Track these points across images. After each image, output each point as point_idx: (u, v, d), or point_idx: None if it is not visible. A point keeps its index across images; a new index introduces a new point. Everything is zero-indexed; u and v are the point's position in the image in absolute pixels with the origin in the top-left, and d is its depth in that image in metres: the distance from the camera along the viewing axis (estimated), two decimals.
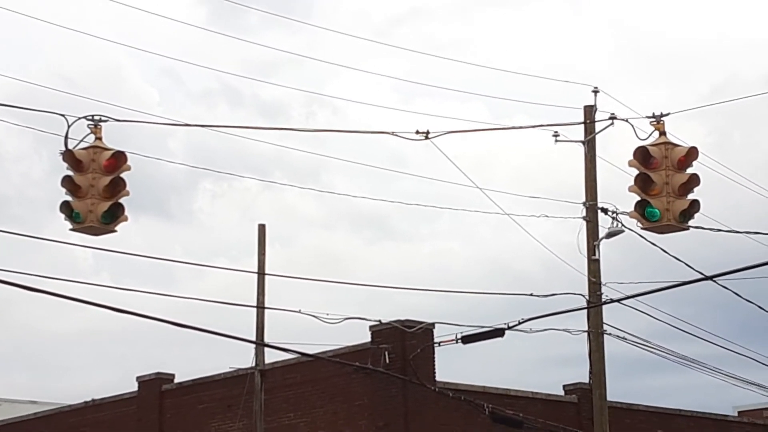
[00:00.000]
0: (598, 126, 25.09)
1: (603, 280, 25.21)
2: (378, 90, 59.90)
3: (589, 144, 25.59)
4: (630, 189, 17.28)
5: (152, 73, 71.94)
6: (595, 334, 25.23)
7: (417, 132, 19.41)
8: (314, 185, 65.71)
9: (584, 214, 25.45)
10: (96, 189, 15.63)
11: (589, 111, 25.30)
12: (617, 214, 24.82)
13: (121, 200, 15.85)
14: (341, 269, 66.13)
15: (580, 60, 68.64)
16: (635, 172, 17.27)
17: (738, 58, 69.67)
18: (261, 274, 26.83)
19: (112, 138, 15.91)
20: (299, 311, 21.61)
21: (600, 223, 25.37)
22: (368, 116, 69.81)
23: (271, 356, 27.37)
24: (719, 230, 23.18)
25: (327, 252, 66.18)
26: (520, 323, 22.03)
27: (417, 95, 68.72)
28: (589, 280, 25.15)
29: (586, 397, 27.18)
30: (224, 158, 59.15)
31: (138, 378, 31.80)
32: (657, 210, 16.94)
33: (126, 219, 15.92)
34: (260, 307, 26.35)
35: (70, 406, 34.99)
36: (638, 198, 17.20)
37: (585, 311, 25.00)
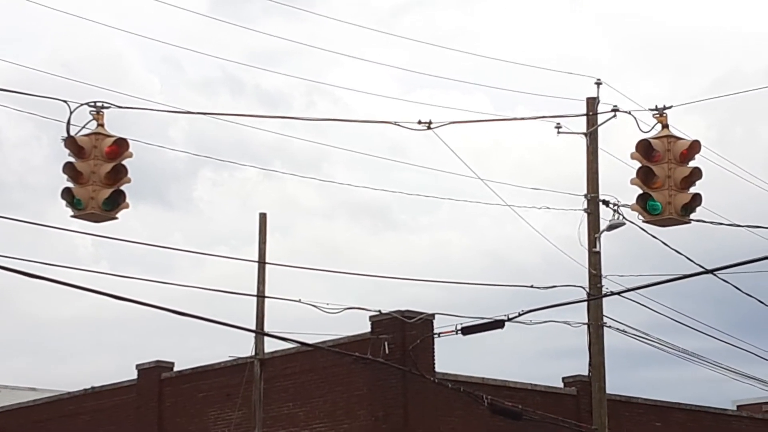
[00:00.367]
0: (600, 118, 25.07)
1: (603, 272, 25.21)
2: (379, 80, 59.93)
3: (592, 136, 25.57)
4: (632, 182, 17.25)
5: (153, 61, 72.00)
6: (595, 326, 25.22)
7: (419, 122, 19.39)
8: (315, 175, 65.69)
9: (585, 206, 25.44)
10: (98, 176, 15.60)
11: (592, 103, 25.27)
12: (618, 207, 24.83)
13: (123, 187, 15.82)
14: (341, 259, 66.23)
15: (582, 52, 68.67)
16: (637, 164, 17.24)
17: (739, 52, 69.64)
18: (262, 263, 26.82)
19: (113, 126, 15.88)
20: (299, 301, 21.60)
21: (601, 216, 25.37)
22: (369, 106, 69.76)
23: (270, 345, 27.41)
24: (720, 224, 23.15)
25: (327, 242, 66.25)
26: (520, 315, 22.00)
27: (418, 86, 68.80)
28: (589, 272, 25.14)
29: (586, 389, 27.19)
30: (225, 147, 59.14)
31: (137, 366, 31.80)
32: (659, 203, 16.91)
33: (127, 206, 15.89)
34: (260, 296, 26.34)
35: (69, 393, 35.02)
36: (640, 191, 17.18)
37: (585, 304, 25.00)
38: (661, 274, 20.84)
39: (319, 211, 68.00)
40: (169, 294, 20.46)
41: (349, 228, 69.70)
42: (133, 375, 31.98)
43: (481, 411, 26.00)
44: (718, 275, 22.51)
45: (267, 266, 26.83)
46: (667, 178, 16.87)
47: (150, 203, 59.75)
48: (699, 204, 17.18)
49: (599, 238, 25.24)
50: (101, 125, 15.81)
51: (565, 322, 24.64)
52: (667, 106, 17.50)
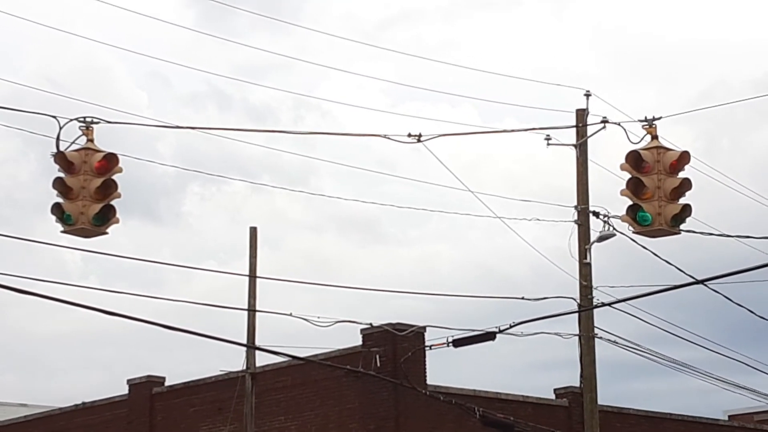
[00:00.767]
0: (590, 130, 25.10)
1: (594, 283, 25.22)
2: (367, 93, 59.97)
3: (581, 147, 25.58)
4: (622, 193, 17.27)
5: (141, 76, 71.92)
6: (586, 337, 25.22)
7: (409, 135, 19.40)
8: (303, 189, 65.64)
9: (576, 217, 25.45)
10: (87, 191, 15.58)
11: (582, 114, 25.29)
12: (609, 218, 24.85)
13: (113, 202, 15.80)
14: (330, 273, 66.24)
15: (568, 64, 68.80)
16: (627, 175, 17.27)
17: (725, 63, 69.88)
18: (252, 276, 26.80)
19: (101, 141, 15.85)
20: (290, 314, 21.57)
21: (591, 227, 25.39)
22: (357, 119, 69.86)
23: (261, 359, 27.38)
24: (710, 234, 23.19)
25: (316, 256, 66.18)
26: (511, 327, 22.01)
27: (406, 99, 68.72)
28: (580, 283, 25.14)
29: (577, 400, 27.18)
30: (213, 162, 59.14)
31: (129, 381, 31.75)
32: (649, 214, 16.94)
33: (117, 221, 15.86)
34: (251, 310, 26.32)
35: (60, 408, 34.92)
36: (630, 202, 17.21)
37: (576, 315, 25.00)
38: (651, 285, 20.86)
39: (307, 225, 68.04)
40: (158, 308, 20.38)
41: (338, 241, 69.71)
42: (124, 390, 31.92)
43: (473, 423, 25.99)
44: (709, 285, 22.53)
45: (257, 280, 26.81)
46: (657, 188, 16.90)
47: (138, 218, 59.70)
48: (689, 214, 17.20)
49: (590, 249, 25.26)
50: (91, 140, 15.80)
51: (556, 334, 24.64)
52: (656, 117, 17.54)
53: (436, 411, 25.88)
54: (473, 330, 23.45)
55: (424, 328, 25.51)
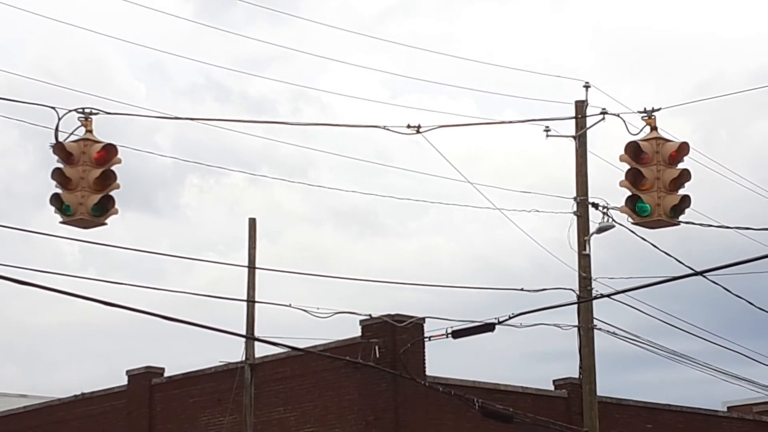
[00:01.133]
0: (589, 121, 25.10)
1: (593, 275, 25.23)
2: (366, 85, 59.92)
3: (580, 139, 25.58)
4: (621, 184, 17.27)
5: (139, 68, 71.83)
6: (586, 329, 25.23)
7: (408, 126, 19.39)
8: (301, 181, 65.64)
9: (575, 209, 25.45)
10: (86, 181, 15.57)
11: (581, 106, 25.29)
12: (608, 210, 24.85)
13: (111, 193, 15.79)
14: (328, 265, 66.25)
15: (566, 56, 68.75)
16: (626, 167, 17.26)
17: (723, 56, 69.82)
18: (252, 267, 26.79)
19: (100, 133, 15.83)
20: (290, 305, 21.58)
21: (591, 219, 25.39)
22: (356, 112, 69.91)
23: (261, 350, 27.39)
24: (710, 225, 23.17)
25: (314, 247, 66.19)
26: (510, 318, 22.02)
27: (405, 91, 68.63)
28: (579, 275, 25.15)
29: (576, 391, 27.21)
30: (211, 154, 59.12)
31: (128, 372, 31.76)
32: (648, 205, 16.94)
33: (116, 212, 15.86)
34: (251, 301, 26.32)
35: (59, 399, 34.95)
36: (629, 193, 17.20)
37: (575, 306, 25.02)
38: (650, 276, 20.87)
39: (306, 217, 68.03)
40: (157, 300, 20.37)
41: (336, 233, 69.72)
42: (124, 381, 31.93)
43: (472, 414, 26.00)
44: (708, 277, 22.55)
45: (256, 271, 26.81)
46: (656, 180, 16.90)
47: (137, 210, 59.71)
48: (688, 205, 17.20)
49: (589, 240, 25.26)
50: (90, 131, 15.78)
51: (555, 325, 24.66)
52: (655, 108, 17.53)
53: (435, 402, 25.90)
54: (472, 321, 23.47)
55: (423, 319, 25.52)
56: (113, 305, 16.91)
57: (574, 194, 25.54)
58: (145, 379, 31.22)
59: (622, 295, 23.40)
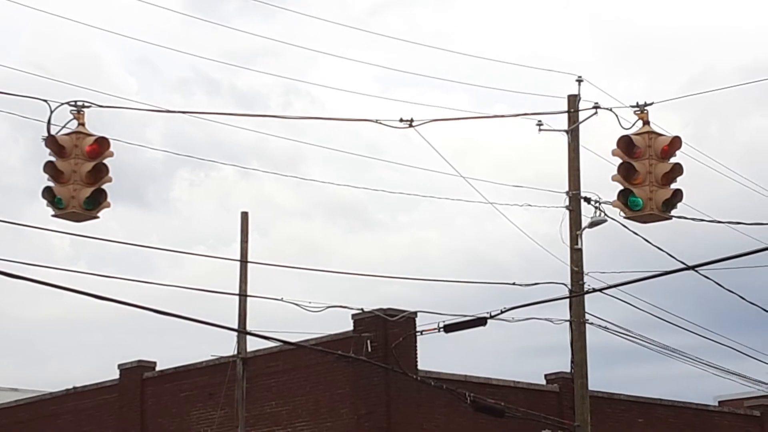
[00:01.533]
0: (581, 115, 25.12)
1: (584, 269, 25.26)
2: (357, 79, 59.90)
3: (573, 133, 25.62)
4: (613, 178, 17.25)
5: (130, 62, 71.69)
6: (577, 323, 25.28)
7: (401, 120, 19.33)
8: (293, 175, 65.66)
9: (567, 203, 25.48)
10: (78, 175, 15.52)
11: (573, 100, 25.31)
12: (600, 204, 24.89)
13: (103, 186, 15.75)
14: (319, 259, 66.19)
15: (558, 50, 68.77)
16: (618, 161, 17.25)
17: (714, 50, 69.88)
18: (244, 261, 26.78)
19: (90, 127, 15.76)
20: (281, 299, 21.57)
21: (583, 213, 25.42)
22: (346, 105, 69.83)
23: (252, 344, 27.38)
24: (702, 220, 23.19)
25: (305, 241, 66.18)
26: (502, 312, 22.01)
27: (397, 85, 68.77)
28: (571, 269, 25.19)
29: (568, 386, 27.25)
30: (202, 148, 59.04)
31: (119, 366, 31.73)
32: (640, 199, 16.91)
33: (108, 205, 15.82)
34: (243, 295, 26.31)
35: (51, 393, 34.91)
36: (621, 187, 17.19)
37: (567, 301, 25.04)
38: (642, 271, 20.86)
39: (296, 211, 68.01)
40: (148, 293, 20.34)
41: (327, 227, 69.70)
42: (115, 375, 31.91)
43: (464, 408, 26.02)
44: (700, 271, 22.57)
45: (248, 265, 26.79)
46: (648, 174, 16.88)
47: (127, 204, 59.68)
48: (680, 200, 17.19)
49: (581, 235, 25.30)
50: (82, 124, 15.74)
51: (547, 320, 24.72)
52: (648, 102, 17.52)
53: (426, 396, 25.91)
54: (464, 316, 23.46)
55: (415, 313, 25.53)
56: (105, 299, 16.89)
57: (566, 188, 25.58)
58: (136, 373, 31.20)
59: (613, 289, 23.39)
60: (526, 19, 71.34)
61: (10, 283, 15.81)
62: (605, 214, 24.82)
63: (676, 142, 17.10)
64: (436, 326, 24.13)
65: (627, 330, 26.47)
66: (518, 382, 28.54)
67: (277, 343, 25.22)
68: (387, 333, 25.42)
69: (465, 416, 26.36)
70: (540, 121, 25.02)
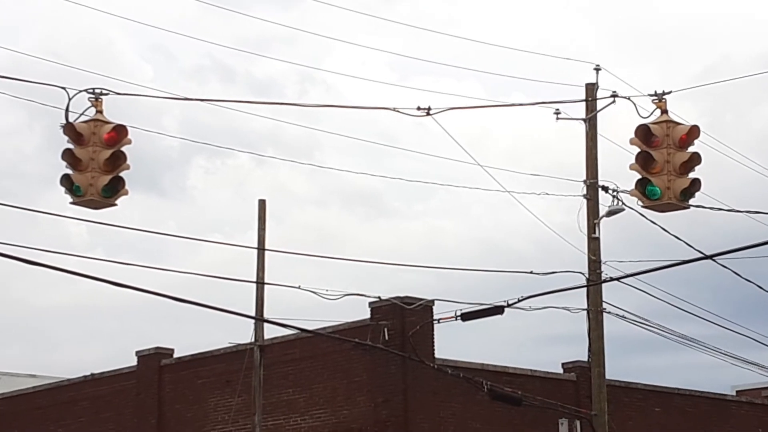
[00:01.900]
0: (600, 104, 25.06)
1: (602, 258, 25.21)
2: (372, 67, 59.86)
3: (591, 122, 25.55)
4: (631, 167, 17.20)
5: (145, 49, 71.79)
6: (595, 312, 25.24)
7: (418, 108, 19.28)
8: (310, 163, 65.65)
9: (585, 192, 25.43)
10: (97, 162, 15.54)
11: (591, 89, 25.25)
12: (618, 193, 24.83)
13: (121, 174, 15.77)
14: (335, 247, 66.29)
15: (571, 40, 68.58)
16: (636, 150, 17.21)
17: (729, 39, 69.59)
18: (261, 249, 26.80)
19: (106, 114, 15.80)
20: (299, 287, 21.57)
21: (600, 202, 25.37)
22: (362, 93, 69.85)
23: (270, 332, 27.41)
24: (719, 209, 23.15)
25: (321, 229, 66.21)
26: (520, 300, 21.98)
27: (412, 73, 68.64)
28: (589, 258, 25.14)
29: (585, 375, 27.24)
30: (218, 135, 59.10)
31: (137, 353, 31.83)
32: (658, 188, 16.87)
33: (126, 193, 15.83)
34: (260, 283, 26.33)
35: (69, 380, 35.05)
36: (639, 176, 17.15)
37: (584, 290, 25.01)
38: (660, 260, 20.82)
39: (312, 199, 68.03)
40: (164, 281, 20.36)
41: (342, 215, 69.71)
42: (133, 362, 32.01)
43: (481, 397, 26.03)
44: (718, 261, 22.53)
45: (265, 253, 26.80)
46: (666, 163, 16.83)
47: (143, 192, 59.77)
48: (698, 189, 17.14)
49: (599, 224, 25.25)
50: (100, 112, 15.75)
51: (564, 308, 24.68)
52: (666, 91, 17.47)
53: (444, 385, 25.92)
54: (481, 304, 23.44)
55: (432, 301, 25.52)
56: (122, 285, 16.90)
57: (584, 177, 25.52)
58: (154, 360, 31.29)
59: (631, 278, 23.31)
60: (539, 7, 71.18)
61: (28, 269, 15.88)
62: (623, 203, 24.77)
63: (694, 131, 17.04)
64: (453, 314, 24.09)
65: (644, 319, 26.45)
66: (535, 371, 28.53)
67: (295, 331, 25.26)
68: (404, 321, 25.43)
69: (482, 404, 26.37)
70: (558, 109, 24.98)
